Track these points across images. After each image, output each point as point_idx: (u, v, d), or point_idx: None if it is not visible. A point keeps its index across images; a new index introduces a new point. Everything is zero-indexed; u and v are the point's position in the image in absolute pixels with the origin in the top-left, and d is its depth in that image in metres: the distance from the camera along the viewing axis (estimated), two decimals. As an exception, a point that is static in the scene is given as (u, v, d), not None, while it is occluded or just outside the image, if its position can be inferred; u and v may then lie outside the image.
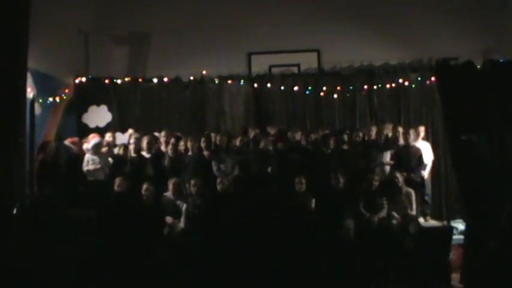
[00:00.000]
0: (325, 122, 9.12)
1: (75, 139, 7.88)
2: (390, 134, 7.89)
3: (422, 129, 7.98)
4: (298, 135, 8.04)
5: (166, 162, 7.53)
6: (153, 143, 7.86)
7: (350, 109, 9.17)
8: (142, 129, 8.53)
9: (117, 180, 6.86)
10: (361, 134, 7.94)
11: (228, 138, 8.15)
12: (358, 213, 6.59)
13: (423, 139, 7.99)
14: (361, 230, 6.34)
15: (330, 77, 9.28)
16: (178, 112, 9.57)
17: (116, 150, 7.73)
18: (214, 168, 7.35)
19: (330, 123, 9.05)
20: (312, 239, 1.32)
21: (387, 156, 7.56)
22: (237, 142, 7.80)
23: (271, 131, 8.33)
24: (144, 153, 7.69)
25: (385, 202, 6.66)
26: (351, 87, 9.13)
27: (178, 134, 8.31)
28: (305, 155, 7.49)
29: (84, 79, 9.32)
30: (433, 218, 7.64)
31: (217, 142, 7.91)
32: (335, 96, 9.17)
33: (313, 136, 8.17)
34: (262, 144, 7.60)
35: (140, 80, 9.51)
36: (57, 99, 8.54)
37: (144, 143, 7.70)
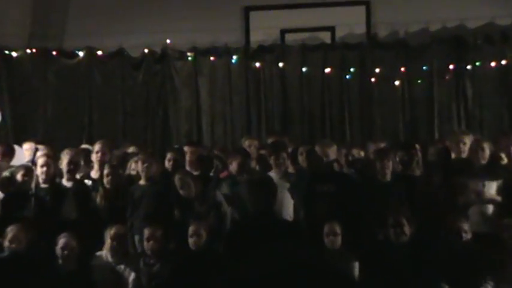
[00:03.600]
0: (379, 129, 9.24)
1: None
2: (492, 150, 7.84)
3: None
4: (332, 152, 8.00)
5: (100, 197, 7.47)
6: (79, 162, 7.82)
7: (423, 106, 9.24)
8: (58, 140, 8.59)
9: (12, 231, 6.77)
10: (443, 150, 7.88)
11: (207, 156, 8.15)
12: (438, 292, 6.49)
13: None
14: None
15: (388, 50, 9.35)
16: (123, 109, 9.66)
17: (7, 174, 7.65)
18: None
19: (388, 130, 9.15)
20: None
21: (491, 189, 7.48)
22: (235, 165, 7.79)
23: (286, 143, 8.32)
24: (63, 182, 7.65)
25: (487, 273, 6.55)
26: (424, 68, 9.15)
27: (132, 149, 8.42)
28: (343, 185, 7.46)
29: None
30: None
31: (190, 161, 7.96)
32: (396, 83, 9.20)
33: (357, 153, 8.19)
34: (272, 166, 7.69)
35: (54, 52, 9.57)
36: None
37: (64, 162, 7.65)
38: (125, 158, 8.05)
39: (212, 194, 7.48)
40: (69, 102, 9.59)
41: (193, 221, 6.94)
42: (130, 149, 8.49)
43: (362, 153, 8.25)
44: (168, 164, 7.77)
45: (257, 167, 8.01)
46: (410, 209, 7.09)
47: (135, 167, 7.75)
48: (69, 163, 7.63)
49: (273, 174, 7.57)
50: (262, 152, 8.15)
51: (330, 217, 6.93)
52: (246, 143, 8.56)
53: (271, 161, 7.74)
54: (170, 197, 7.42)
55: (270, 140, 8.59)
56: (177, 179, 7.39)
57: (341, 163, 7.93)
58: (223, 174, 7.91)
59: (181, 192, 7.34)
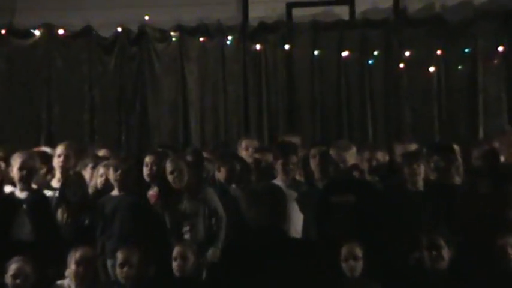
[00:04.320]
0: (409, 126, 9.26)
1: None
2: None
3: None
4: (350, 155, 7.97)
5: (61, 212, 7.42)
6: (34, 168, 7.73)
7: (464, 98, 9.27)
8: (9, 141, 8.57)
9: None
10: (490, 152, 7.81)
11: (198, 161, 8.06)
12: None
13: None
14: None
15: (420, 29, 9.36)
16: (91, 102, 9.69)
17: None
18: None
19: (420, 128, 9.19)
20: None
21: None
22: (224, 172, 7.78)
23: (294, 143, 8.30)
24: (17, 192, 7.58)
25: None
26: (466, 50, 9.15)
27: (102, 152, 8.45)
28: (365, 196, 7.43)
29: None
30: None
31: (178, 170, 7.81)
32: (431, 69, 9.21)
33: (382, 156, 8.17)
34: (278, 173, 7.66)
35: (3, 31, 9.59)
36: None
37: (14, 168, 7.58)
38: (94, 163, 7.96)
39: (204, 193, 7.42)
40: (23, 93, 9.53)
41: (178, 242, 6.93)
42: (101, 152, 8.45)
43: (388, 157, 8.18)
44: (146, 171, 7.65)
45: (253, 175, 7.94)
46: (449, 226, 7.05)
47: (103, 173, 7.71)
48: (21, 169, 7.51)
49: (278, 182, 7.58)
50: (257, 155, 8.09)
51: (349, 236, 6.89)
52: (242, 145, 8.54)
53: (278, 166, 7.69)
54: (159, 185, 7.43)
55: (280, 140, 8.55)
56: (169, 161, 7.41)
57: (362, 169, 7.91)
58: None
59: (170, 178, 7.32)
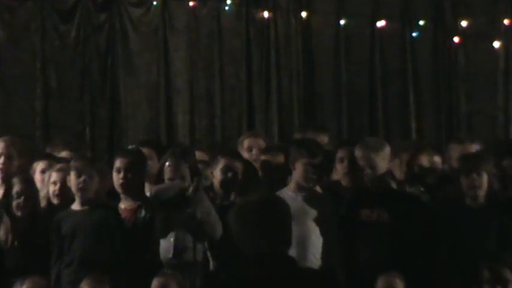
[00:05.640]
0: (468, 120, 9.26)
1: None
2: None
3: None
4: (382, 158, 7.81)
5: (4, 231, 7.41)
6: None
7: None
8: None
9: None
10: None
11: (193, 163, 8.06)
12: None
13: None
14: None
15: None
16: (45, 85, 9.75)
17: None
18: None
19: (482, 122, 9.19)
20: None
21: None
22: (218, 173, 7.76)
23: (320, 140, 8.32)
24: None
25: None
26: None
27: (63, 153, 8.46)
28: (405, 213, 7.45)
29: None
30: None
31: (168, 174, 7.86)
32: (496, 45, 9.29)
33: (429, 160, 8.16)
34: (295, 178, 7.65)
35: None
36: None
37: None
38: (46, 166, 7.99)
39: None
40: None
41: (158, 272, 6.94)
42: (61, 153, 8.48)
43: (439, 160, 8.12)
44: (118, 179, 7.63)
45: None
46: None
47: (57, 179, 7.67)
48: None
49: (290, 193, 7.47)
50: (264, 157, 8.10)
51: (385, 264, 6.93)
52: (245, 144, 8.57)
53: (297, 166, 7.59)
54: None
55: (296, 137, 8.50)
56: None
57: (400, 176, 7.92)
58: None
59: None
